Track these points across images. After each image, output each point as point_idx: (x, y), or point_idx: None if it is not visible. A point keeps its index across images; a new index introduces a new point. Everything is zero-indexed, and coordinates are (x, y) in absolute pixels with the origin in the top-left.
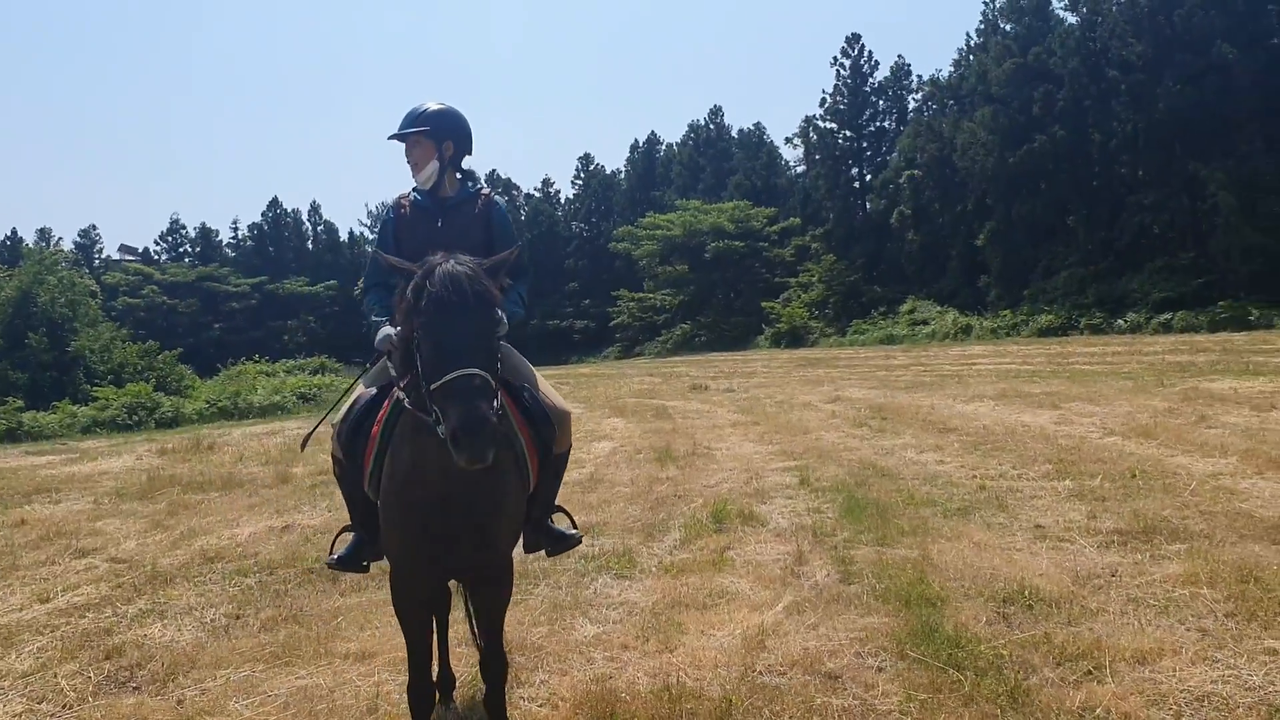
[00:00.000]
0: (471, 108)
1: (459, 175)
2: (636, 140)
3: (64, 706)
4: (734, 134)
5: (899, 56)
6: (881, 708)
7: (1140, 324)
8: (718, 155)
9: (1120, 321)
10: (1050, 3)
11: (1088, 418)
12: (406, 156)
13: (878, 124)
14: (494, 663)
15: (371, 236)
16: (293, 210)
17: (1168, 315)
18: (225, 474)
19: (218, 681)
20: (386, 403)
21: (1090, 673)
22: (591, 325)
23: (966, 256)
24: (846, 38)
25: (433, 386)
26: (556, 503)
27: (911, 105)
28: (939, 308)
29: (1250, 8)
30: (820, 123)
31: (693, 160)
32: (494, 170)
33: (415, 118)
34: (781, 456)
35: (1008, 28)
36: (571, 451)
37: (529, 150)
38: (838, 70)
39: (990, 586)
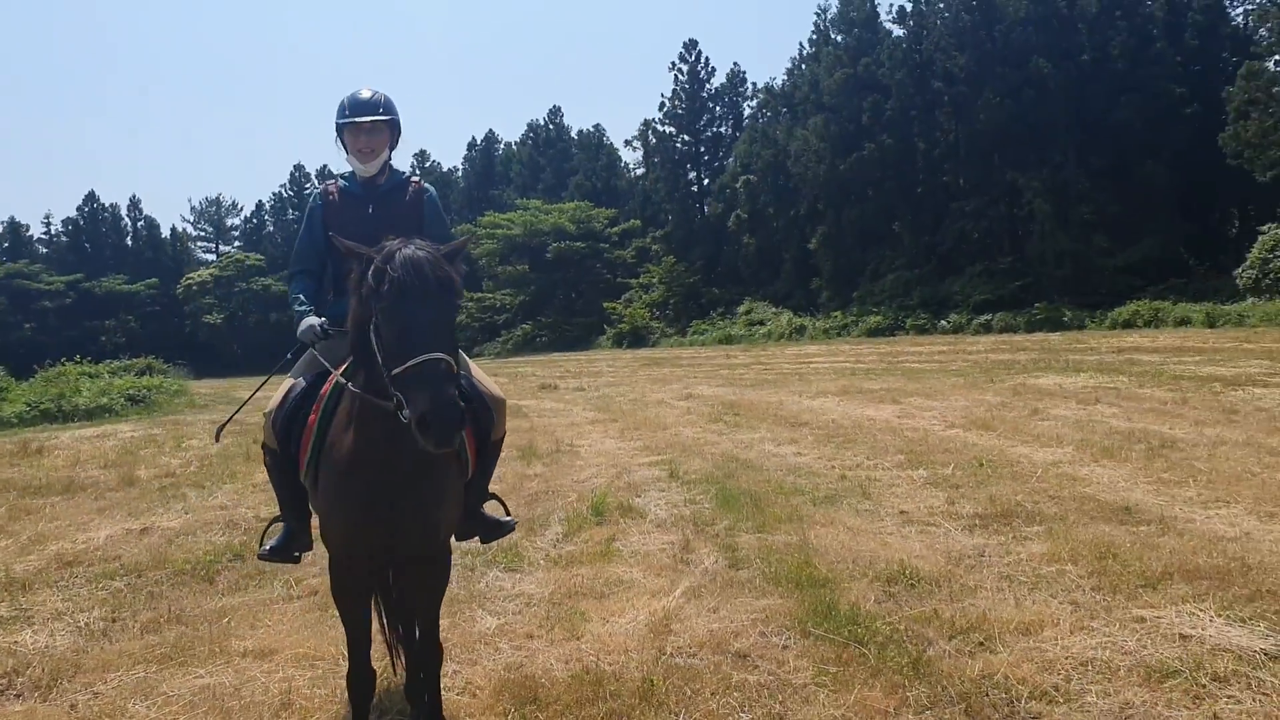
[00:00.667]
0: (301, 99)
1: (392, 164)
2: (474, 138)
3: None
4: (574, 135)
5: (735, 64)
6: (795, 681)
7: (963, 324)
8: (558, 155)
9: (944, 322)
10: (879, 16)
11: (928, 412)
12: (352, 142)
13: (715, 129)
14: (430, 650)
15: (195, 232)
16: (111, 205)
17: (988, 316)
18: (64, 478)
19: (109, 685)
20: (323, 391)
21: (982, 644)
22: None
23: (800, 259)
24: (684, 44)
25: (395, 371)
26: (490, 490)
27: (747, 112)
28: (774, 309)
29: (1063, 26)
30: (659, 126)
31: (533, 160)
32: (325, 166)
33: (374, 105)
34: (646, 452)
35: (839, 39)
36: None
37: None
38: (676, 75)
39: (872, 568)
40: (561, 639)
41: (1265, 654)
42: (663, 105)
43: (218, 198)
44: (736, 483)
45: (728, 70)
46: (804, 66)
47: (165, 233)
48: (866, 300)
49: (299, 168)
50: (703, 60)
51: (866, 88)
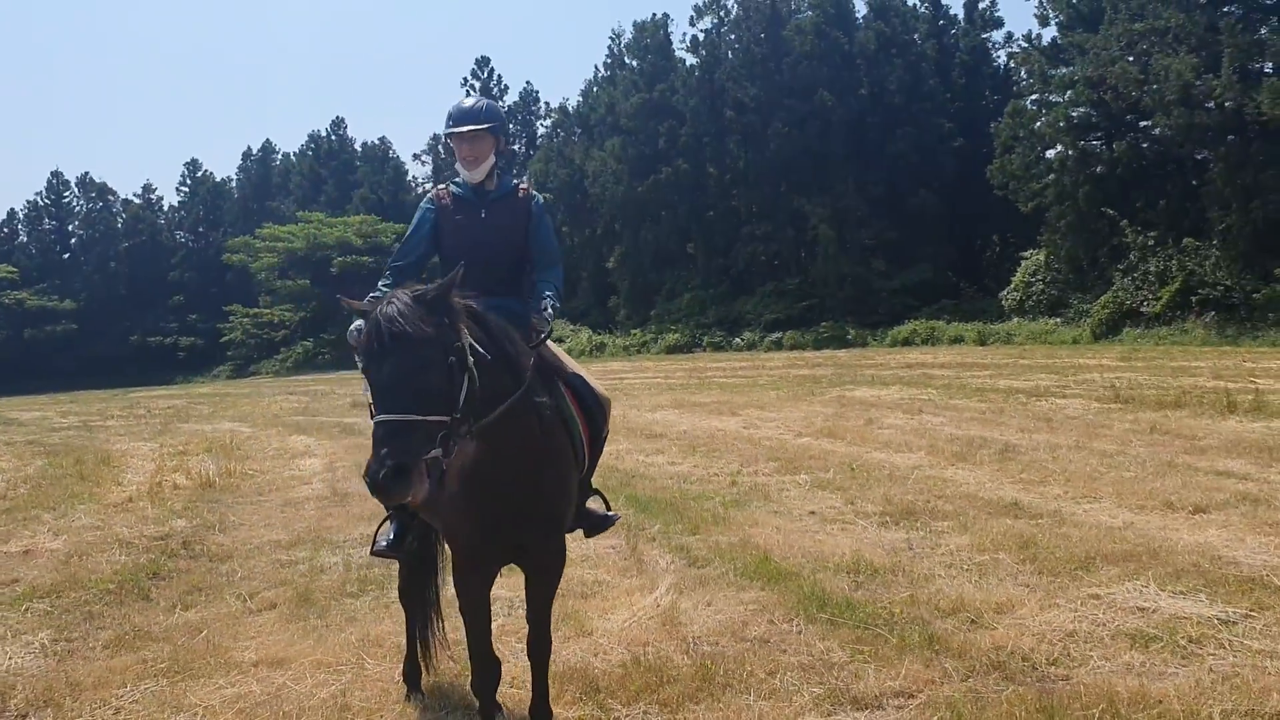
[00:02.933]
0: (59, 104)
1: (500, 171)
2: (250, 148)
3: None
4: (358, 147)
5: (528, 82)
6: (835, 660)
7: (755, 342)
8: (341, 167)
9: (738, 340)
10: (672, 43)
11: (769, 423)
12: (458, 150)
13: (508, 147)
14: (541, 641)
15: None
16: None
17: (779, 334)
18: None
19: (124, 699)
20: None
21: (973, 622)
22: (200, 343)
23: (597, 278)
24: (477, 60)
25: None
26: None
27: (540, 130)
28: (573, 326)
29: (845, 62)
30: (450, 142)
31: (314, 171)
32: (86, 173)
33: (476, 114)
34: None
35: (634, 64)
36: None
37: (127, 152)
38: (467, 91)
39: (828, 561)
40: (573, 635)
41: (1220, 620)
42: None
43: None
44: (637, 490)
45: (520, 89)
46: (597, 89)
47: None
48: (664, 318)
49: (57, 174)
50: (495, 77)
51: (662, 113)
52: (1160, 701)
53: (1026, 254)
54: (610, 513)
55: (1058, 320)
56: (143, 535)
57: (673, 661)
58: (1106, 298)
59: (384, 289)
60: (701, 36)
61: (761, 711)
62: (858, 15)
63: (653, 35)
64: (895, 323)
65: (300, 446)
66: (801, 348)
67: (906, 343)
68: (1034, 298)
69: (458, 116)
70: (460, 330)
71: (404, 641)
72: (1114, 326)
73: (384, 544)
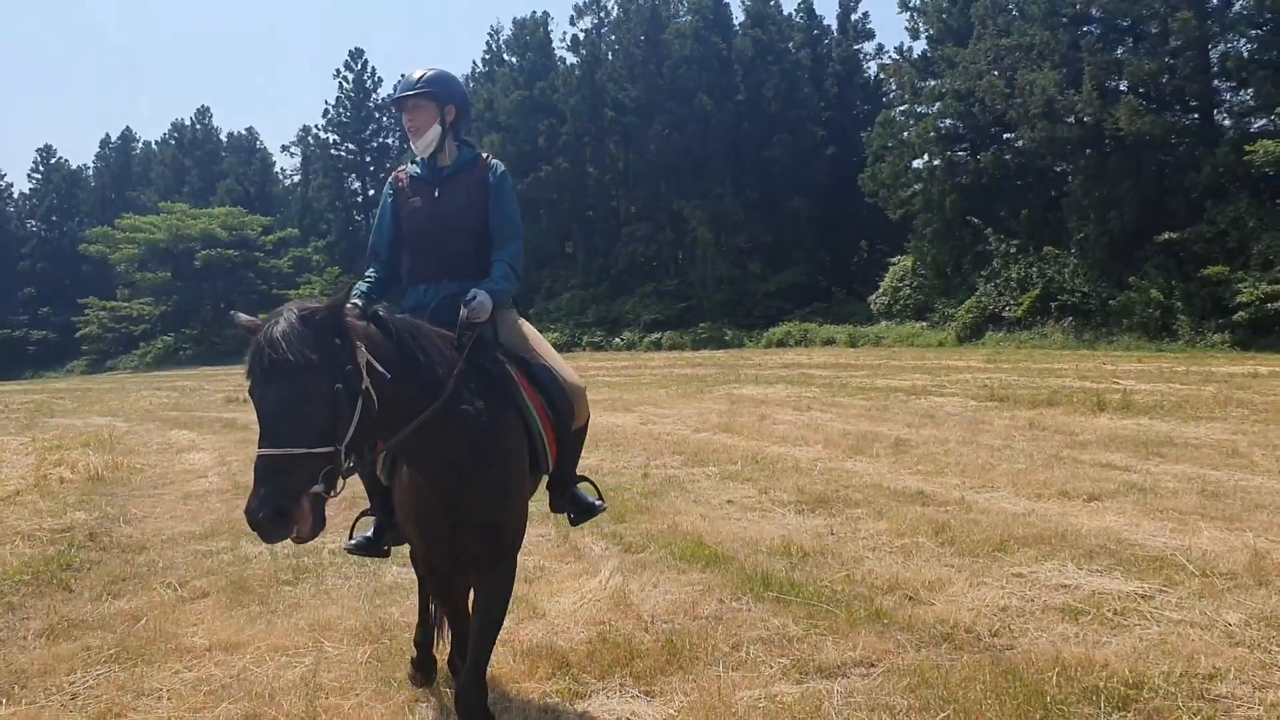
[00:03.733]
0: None
1: (458, 144)
2: (109, 135)
3: None
4: (224, 137)
5: (402, 75)
6: (793, 634)
7: (635, 342)
8: (206, 157)
9: (618, 340)
10: (552, 42)
11: (666, 419)
12: (406, 124)
13: (381, 139)
14: (469, 688)
15: None
16: None
17: (658, 334)
18: None
19: (79, 684)
20: None
21: (910, 598)
22: (52, 336)
23: None
24: (350, 52)
25: None
26: (579, 473)
27: None
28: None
29: (723, 67)
30: (321, 133)
31: (177, 161)
32: None
33: (413, 81)
34: None
35: (513, 60)
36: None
37: None
38: (340, 83)
39: (759, 545)
40: (528, 616)
41: (1139, 594)
42: (326, 112)
43: None
44: None
45: (394, 82)
46: (474, 85)
47: None
48: (544, 317)
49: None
50: (369, 70)
51: (542, 111)
52: (1105, 665)
53: (894, 260)
54: (598, 501)
55: (923, 324)
56: (41, 528)
57: (635, 638)
58: (970, 303)
59: (370, 278)
60: (582, 36)
61: (734, 681)
62: (735, 22)
63: (533, 33)
64: (770, 324)
65: (185, 441)
66: (681, 348)
67: (781, 344)
68: (901, 302)
69: (399, 86)
70: (355, 351)
71: (364, 624)
72: (977, 330)
73: (358, 541)
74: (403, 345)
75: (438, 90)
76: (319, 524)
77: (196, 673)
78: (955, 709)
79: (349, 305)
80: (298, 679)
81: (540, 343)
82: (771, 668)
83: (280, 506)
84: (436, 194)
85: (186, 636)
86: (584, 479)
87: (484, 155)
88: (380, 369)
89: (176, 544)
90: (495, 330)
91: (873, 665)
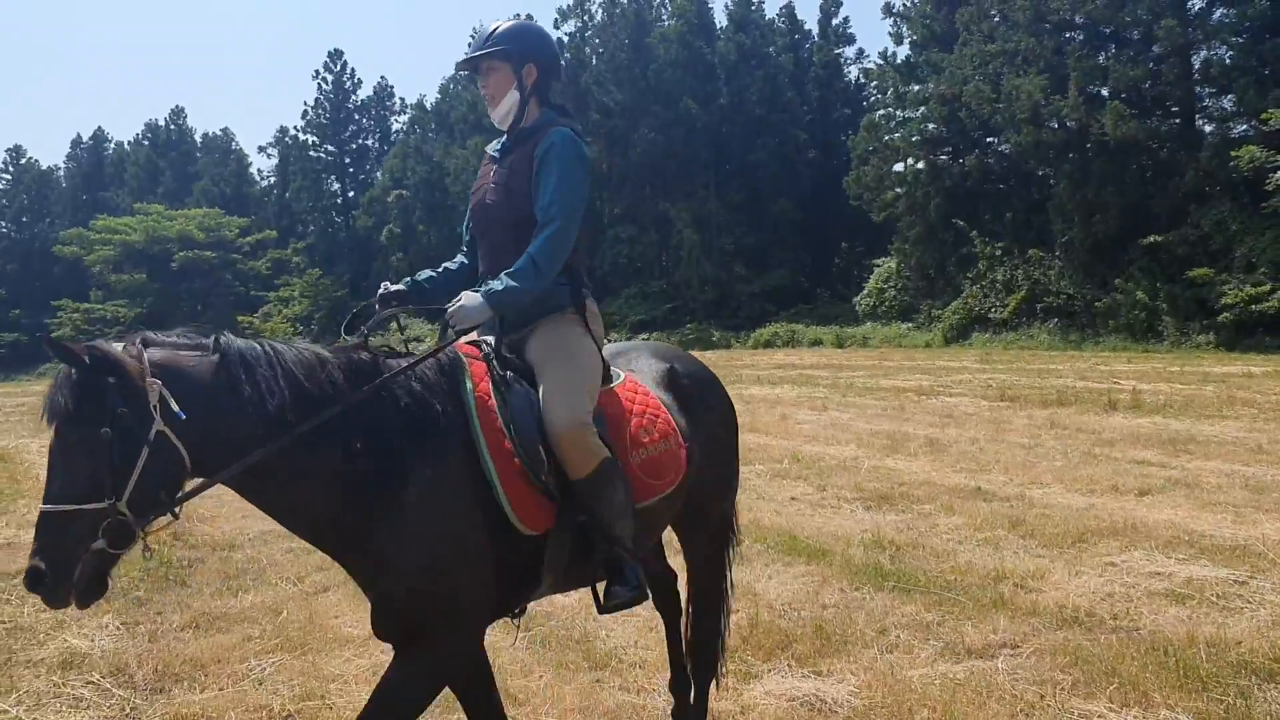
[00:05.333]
0: None
1: (542, 110)
2: (80, 135)
3: None
4: (198, 138)
5: (382, 77)
6: (929, 620)
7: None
8: (181, 158)
9: (605, 341)
10: None
11: None
12: (481, 90)
13: (361, 141)
14: None
15: None
16: None
17: (645, 336)
18: None
19: (261, 672)
20: None
21: (1020, 586)
22: (23, 339)
23: None
24: (329, 53)
25: None
26: (617, 534)
27: (395, 126)
28: (431, 325)
29: (707, 71)
30: (300, 135)
31: (151, 162)
32: None
33: (485, 38)
34: None
35: None
36: None
37: None
38: (320, 84)
39: (849, 539)
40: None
41: (1233, 580)
42: (305, 113)
43: None
44: None
45: (375, 83)
46: (455, 86)
47: None
48: None
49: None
50: (348, 71)
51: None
52: (1239, 642)
53: (879, 262)
54: (631, 589)
55: (910, 325)
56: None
57: (779, 625)
58: (957, 304)
59: (441, 270)
60: (566, 39)
61: (894, 662)
62: (719, 26)
63: None
64: (756, 325)
65: None
66: None
67: (769, 345)
68: (887, 303)
69: (472, 44)
70: (137, 391)
71: None
72: (964, 332)
73: None
74: (222, 378)
75: (513, 47)
76: (101, 586)
77: (368, 660)
78: (1119, 683)
79: (167, 336)
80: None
81: (573, 365)
82: (926, 650)
83: (42, 568)
84: (496, 170)
85: (339, 627)
86: (623, 553)
87: (559, 121)
88: (175, 409)
89: (267, 542)
90: (499, 342)
91: (1017, 647)
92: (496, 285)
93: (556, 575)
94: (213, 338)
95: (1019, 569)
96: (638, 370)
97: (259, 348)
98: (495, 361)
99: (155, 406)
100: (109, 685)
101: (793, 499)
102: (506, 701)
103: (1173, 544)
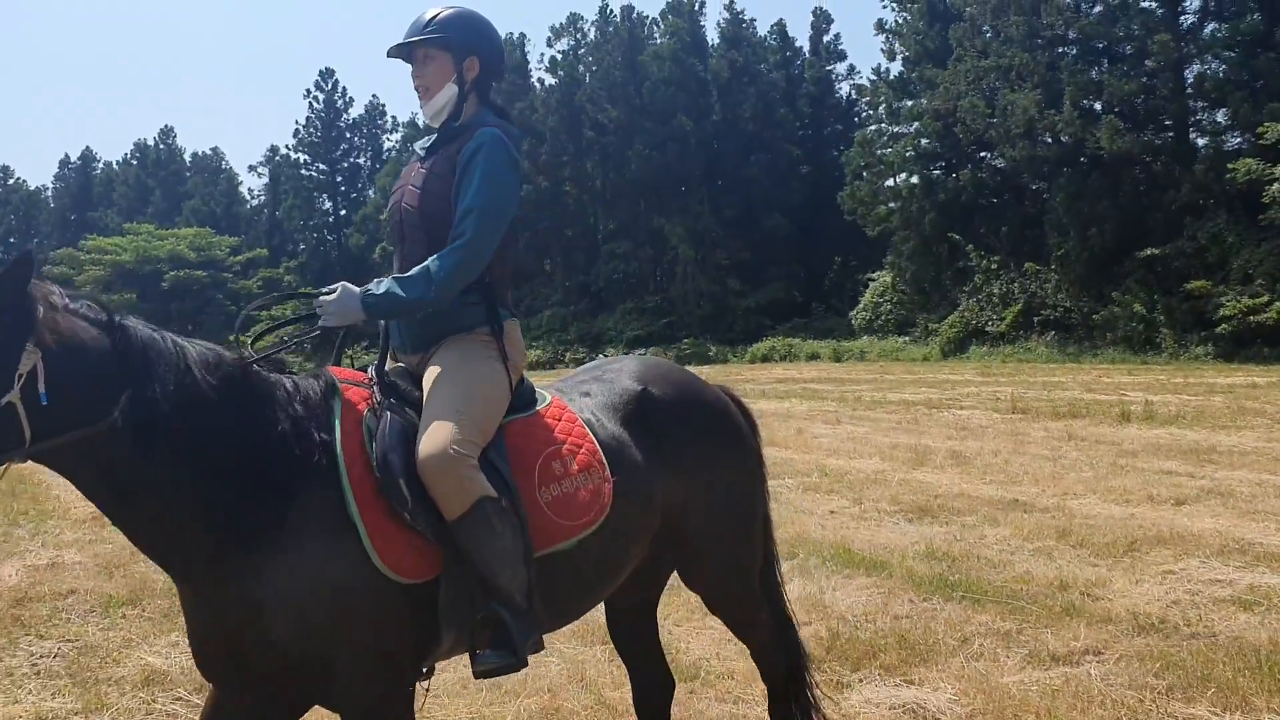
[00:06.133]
0: None
1: (482, 108)
2: (68, 155)
3: None
4: (188, 157)
5: (374, 95)
6: (1006, 629)
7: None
8: (170, 178)
9: (602, 356)
10: (529, 63)
11: None
12: (414, 81)
13: (353, 159)
14: None
15: None
16: None
17: (642, 351)
18: None
19: None
20: None
21: (1086, 594)
22: None
23: None
24: (321, 71)
25: None
26: (500, 586)
27: (388, 144)
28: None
29: (700, 87)
30: (292, 153)
31: (140, 182)
32: None
33: (423, 23)
34: None
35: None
36: None
37: None
38: (311, 103)
39: (903, 551)
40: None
41: None
42: (297, 132)
43: None
44: None
45: (366, 102)
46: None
47: None
48: (524, 335)
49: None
50: (340, 89)
51: (521, 131)
52: None
53: (874, 275)
54: (511, 655)
55: (906, 339)
56: None
57: (860, 636)
58: (954, 318)
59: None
60: (560, 58)
61: (984, 670)
62: (711, 44)
63: (509, 54)
64: (751, 340)
65: None
66: None
67: (766, 359)
68: (883, 317)
69: (407, 29)
70: (11, 342)
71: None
72: (961, 345)
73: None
74: (110, 368)
75: (456, 37)
76: None
77: (454, 674)
78: (1216, 688)
79: (77, 303)
80: (570, 675)
81: (460, 390)
82: (1013, 657)
83: None
84: (420, 168)
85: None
86: (501, 605)
87: (495, 123)
88: (41, 390)
89: None
90: (383, 363)
91: (1100, 653)
92: (377, 288)
93: (461, 630)
94: (114, 319)
95: (1080, 578)
96: (594, 393)
97: (160, 340)
98: (377, 386)
99: (20, 376)
100: (197, 701)
101: (832, 512)
102: (605, 713)
103: (1225, 552)
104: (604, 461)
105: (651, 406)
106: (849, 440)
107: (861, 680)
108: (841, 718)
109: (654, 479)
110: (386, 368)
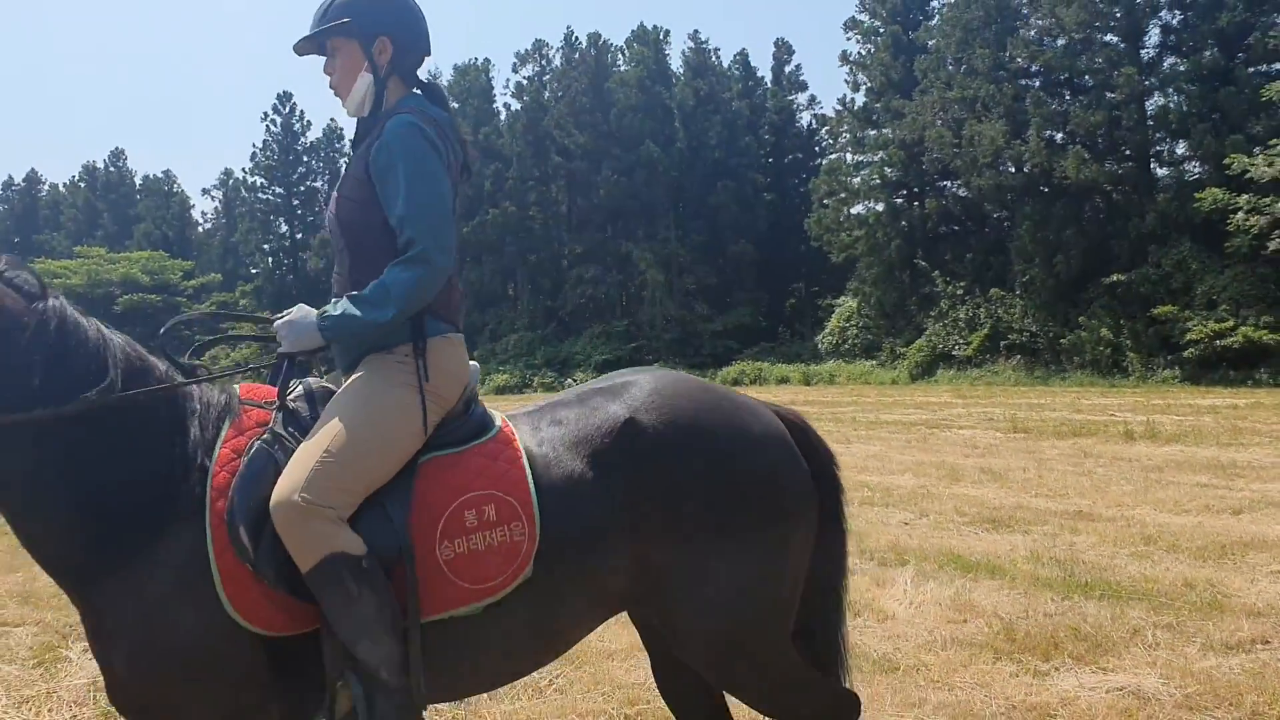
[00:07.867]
0: None
1: (412, 93)
2: (11, 178)
3: None
4: (139, 180)
5: (332, 119)
6: (1167, 622)
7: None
8: (121, 201)
9: (570, 380)
10: (494, 88)
11: None
12: (326, 76)
13: (310, 183)
14: None
15: None
16: None
17: None
18: None
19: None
20: None
21: (1218, 591)
22: None
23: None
24: (278, 95)
25: None
26: (360, 657)
27: (344, 167)
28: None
29: (664, 115)
30: (247, 176)
31: (89, 205)
32: None
33: (323, 11)
34: None
35: (455, 105)
36: None
37: None
38: (268, 126)
39: (1009, 556)
40: (882, 619)
41: None
42: (254, 155)
43: None
44: None
45: (325, 125)
46: None
47: None
48: (490, 359)
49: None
50: (297, 113)
51: (487, 156)
52: None
53: (839, 301)
54: None
55: (873, 363)
56: None
57: (1028, 629)
58: (921, 342)
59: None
60: (525, 83)
61: (1167, 657)
62: (676, 72)
63: (474, 79)
64: (720, 364)
65: None
66: None
67: (736, 383)
68: (850, 341)
69: (313, 18)
70: None
71: None
72: (929, 368)
73: None
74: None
75: (357, 19)
76: None
77: (585, 671)
78: None
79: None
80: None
81: (339, 423)
82: (1192, 646)
83: None
84: (346, 169)
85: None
86: (374, 683)
87: (407, 109)
88: None
89: None
90: (284, 386)
91: (1267, 642)
92: (334, 309)
93: (323, 691)
94: (46, 296)
95: (1200, 578)
96: (566, 421)
97: (86, 325)
98: (279, 412)
99: None
100: None
101: (905, 523)
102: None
103: None
104: (535, 514)
105: (636, 442)
106: (871, 459)
107: (1057, 669)
108: (1059, 700)
109: (617, 536)
110: (321, 385)
